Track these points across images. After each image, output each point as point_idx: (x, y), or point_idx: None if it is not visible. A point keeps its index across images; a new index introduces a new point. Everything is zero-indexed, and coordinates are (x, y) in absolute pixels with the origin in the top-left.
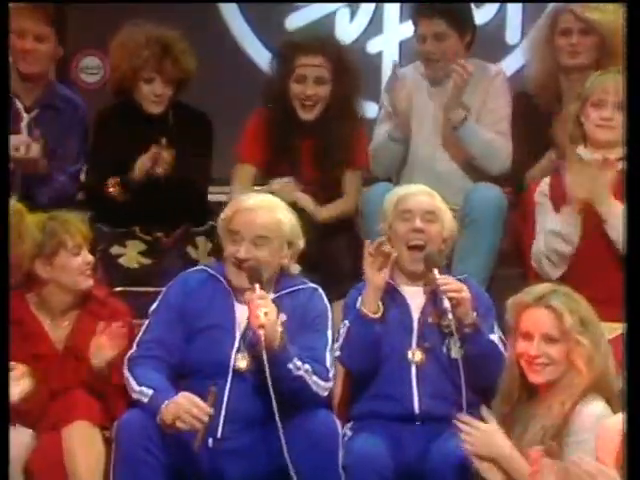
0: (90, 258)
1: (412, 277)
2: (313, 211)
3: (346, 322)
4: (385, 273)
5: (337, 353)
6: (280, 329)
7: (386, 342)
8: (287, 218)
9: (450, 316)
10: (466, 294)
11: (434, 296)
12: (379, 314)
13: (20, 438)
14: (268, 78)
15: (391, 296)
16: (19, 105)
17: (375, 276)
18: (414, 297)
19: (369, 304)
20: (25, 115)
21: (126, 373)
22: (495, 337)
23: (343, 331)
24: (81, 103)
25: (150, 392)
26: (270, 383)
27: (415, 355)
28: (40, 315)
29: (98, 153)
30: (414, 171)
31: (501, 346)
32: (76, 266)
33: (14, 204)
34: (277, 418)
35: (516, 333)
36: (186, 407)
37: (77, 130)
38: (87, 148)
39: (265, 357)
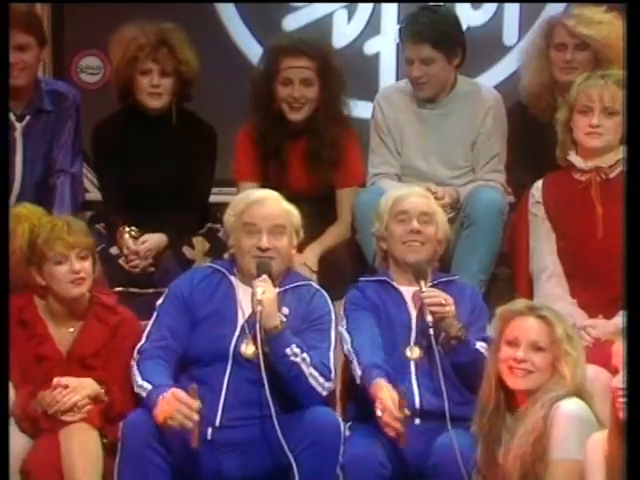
0: (78, 267)
1: (408, 270)
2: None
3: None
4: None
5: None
6: (281, 315)
7: (386, 339)
8: (292, 208)
9: (431, 331)
10: (450, 308)
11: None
12: None
13: (17, 439)
14: (254, 82)
15: (390, 294)
16: (11, 116)
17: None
18: (412, 296)
19: None
20: (18, 125)
21: (134, 367)
22: (483, 345)
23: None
24: (69, 92)
25: (149, 387)
26: (262, 361)
27: (413, 352)
28: (46, 318)
29: (105, 174)
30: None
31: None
32: (62, 275)
33: (17, 207)
34: (269, 399)
35: (500, 341)
36: (175, 405)
37: (69, 125)
38: (81, 141)
39: (260, 335)
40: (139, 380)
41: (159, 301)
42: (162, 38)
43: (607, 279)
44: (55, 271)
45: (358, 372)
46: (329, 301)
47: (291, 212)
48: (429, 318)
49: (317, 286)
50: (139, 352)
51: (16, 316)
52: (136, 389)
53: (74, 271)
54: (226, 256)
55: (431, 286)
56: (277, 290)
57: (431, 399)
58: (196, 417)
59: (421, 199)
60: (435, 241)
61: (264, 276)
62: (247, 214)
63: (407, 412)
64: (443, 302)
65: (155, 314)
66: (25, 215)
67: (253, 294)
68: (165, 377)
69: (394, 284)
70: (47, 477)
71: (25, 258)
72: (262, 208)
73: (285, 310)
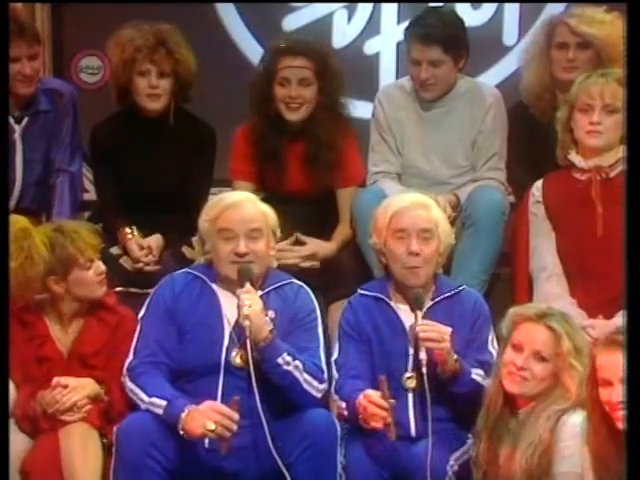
0: (102, 268)
1: (407, 293)
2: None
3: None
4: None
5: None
6: (268, 323)
7: (382, 364)
8: (267, 209)
9: (424, 370)
10: (445, 345)
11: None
12: None
13: (17, 439)
14: (254, 83)
15: (386, 317)
16: (9, 118)
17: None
18: (409, 316)
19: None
20: (16, 127)
21: (130, 384)
22: (480, 373)
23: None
24: (65, 90)
25: (163, 403)
26: (253, 374)
27: (410, 381)
28: (48, 319)
29: (103, 175)
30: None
31: (486, 382)
32: (90, 279)
33: (19, 220)
34: (260, 411)
35: (507, 342)
36: (216, 417)
37: (67, 123)
38: (80, 139)
39: (250, 348)
40: (145, 397)
41: (141, 313)
42: (160, 39)
43: (607, 279)
44: (84, 276)
45: (343, 405)
46: (313, 297)
47: (267, 213)
48: (423, 355)
49: (299, 282)
50: (129, 369)
51: (17, 316)
52: (145, 406)
53: (100, 273)
54: (202, 260)
55: (433, 304)
56: (260, 293)
57: (427, 425)
58: (235, 428)
59: (421, 212)
60: (436, 256)
61: (248, 286)
62: (222, 219)
63: (392, 401)
64: (439, 338)
65: (139, 327)
66: (32, 226)
67: (239, 307)
68: (171, 389)
69: (391, 304)
70: (47, 477)
71: (46, 265)
72: (238, 212)
73: (271, 313)
